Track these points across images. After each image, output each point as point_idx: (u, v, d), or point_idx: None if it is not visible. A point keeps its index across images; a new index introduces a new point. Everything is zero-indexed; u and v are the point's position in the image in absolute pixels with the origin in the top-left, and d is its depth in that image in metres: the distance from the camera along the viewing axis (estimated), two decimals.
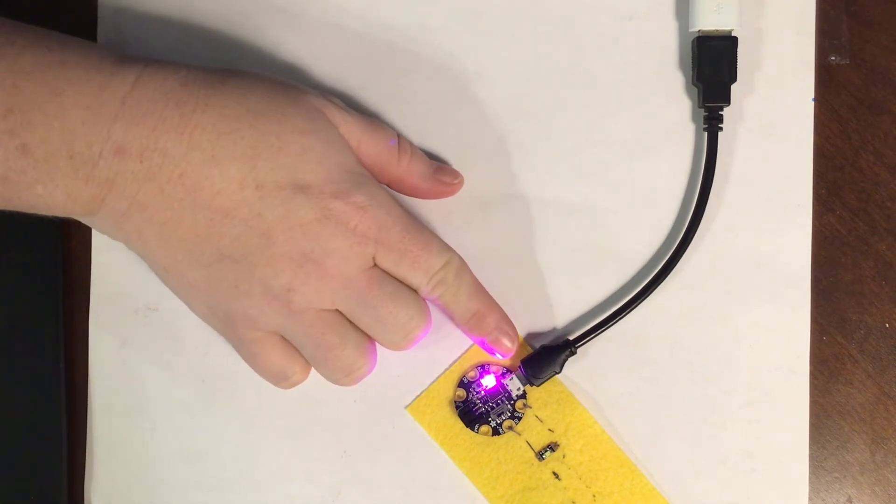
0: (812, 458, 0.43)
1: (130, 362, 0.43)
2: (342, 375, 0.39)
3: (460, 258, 0.39)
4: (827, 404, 0.43)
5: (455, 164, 0.43)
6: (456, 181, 0.42)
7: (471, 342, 0.43)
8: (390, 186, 0.41)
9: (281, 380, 0.39)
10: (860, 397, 0.43)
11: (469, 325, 0.40)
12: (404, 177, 0.40)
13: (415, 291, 0.39)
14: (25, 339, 0.43)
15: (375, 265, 0.38)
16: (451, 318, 0.40)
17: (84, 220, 0.37)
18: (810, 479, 0.42)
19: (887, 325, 0.43)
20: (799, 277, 0.43)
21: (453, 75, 0.43)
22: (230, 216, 0.36)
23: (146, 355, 0.43)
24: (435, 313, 0.41)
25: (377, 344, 0.39)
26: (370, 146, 0.39)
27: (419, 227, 0.38)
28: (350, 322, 0.38)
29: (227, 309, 0.37)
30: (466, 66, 0.43)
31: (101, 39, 0.43)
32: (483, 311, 0.40)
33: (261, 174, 0.36)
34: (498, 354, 0.41)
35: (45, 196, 0.34)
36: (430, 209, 0.43)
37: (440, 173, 0.42)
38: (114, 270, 0.43)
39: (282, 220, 0.36)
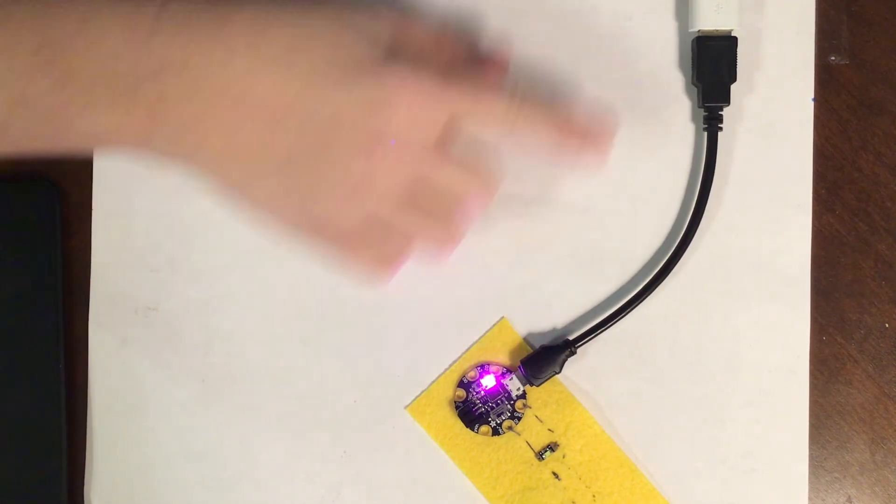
0: (812, 458, 0.43)
1: (130, 362, 0.43)
2: (444, 241, 0.38)
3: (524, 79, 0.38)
4: (827, 404, 0.43)
5: None
6: (504, 52, 0.41)
7: (471, 342, 0.43)
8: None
9: (385, 266, 0.38)
10: (860, 397, 0.43)
11: (566, 129, 0.38)
12: (451, 62, 0.38)
13: (480, 159, 0.37)
14: (25, 340, 0.43)
15: (442, 128, 0.36)
16: (542, 133, 0.38)
17: (140, 152, 0.36)
18: (810, 479, 0.42)
19: (887, 325, 0.43)
20: (799, 277, 0.43)
21: None
22: (286, 116, 0.34)
23: (146, 355, 0.43)
24: (427, 312, 0.41)
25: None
26: (409, 35, 0.37)
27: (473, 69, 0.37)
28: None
29: (309, 213, 0.36)
30: None
31: None
32: (570, 111, 0.38)
33: (303, 69, 0.34)
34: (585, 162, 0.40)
35: (94, 127, 0.34)
36: None
37: (488, 50, 0.40)
38: (114, 270, 0.43)
39: (340, 107, 0.35)
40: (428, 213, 0.37)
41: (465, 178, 0.37)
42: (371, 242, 0.37)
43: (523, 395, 0.42)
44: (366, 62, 0.35)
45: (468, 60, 0.39)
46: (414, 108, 0.35)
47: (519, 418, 0.42)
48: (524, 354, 0.42)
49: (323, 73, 0.35)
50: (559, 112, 0.38)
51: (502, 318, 0.43)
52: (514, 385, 0.42)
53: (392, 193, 0.36)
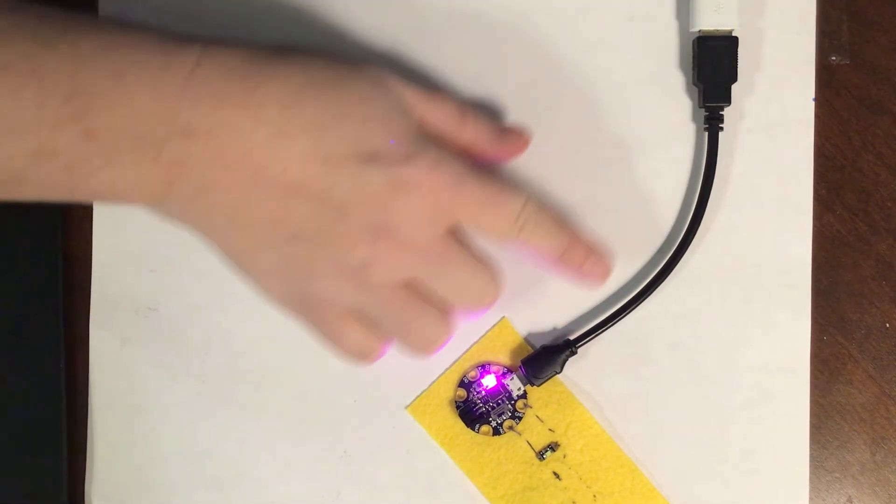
0: (812, 458, 0.43)
1: (130, 362, 0.43)
2: (425, 346, 0.38)
3: (536, 196, 0.38)
4: (827, 404, 0.43)
5: None
6: (524, 138, 0.41)
7: (471, 342, 0.43)
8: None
9: (363, 356, 0.38)
10: (860, 397, 0.43)
11: (563, 258, 0.39)
12: (473, 142, 0.39)
13: (485, 263, 0.38)
14: (26, 339, 0.43)
15: (448, 232, 0.37)
16: (541, 257, 0.39)
17: (152, 208, 0.36)
18: (810, 479, 0.42)
19: (887, 325, 0.43)
20: (799, 277, 0.43)
21: (453, 75, 0.43)
22: (299, 193, 0.35)
23: (146, 355, 0.43)
24: None
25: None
26: (434, 114, 0.38)
27: (490, 175, 0.37)
28: (426, 294, 0.37)
29: (304, 290, 0.36)
30: (466, 66, 0.43)
31: None
32: (573, 242, 0.39)
33: (327, 146, 0.35)
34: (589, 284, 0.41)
35: (112, 183, 0.34)
36: None
37: (508, 133, 0.41)
38: (114, 270, 0.43)
39: (352, 192, 0.35)
40: (419, 312, 0.37)
41: (464, 283, 0.37)
42: (357, 330, 0.37)
43: (524, 395, 0.42)
44: (389, 149, 0.35)
45: (489, 141, 0.40)
46: (424, 207, 0.35)
47: (520, 418, 0.42)
48: (525, 354, 0.42)
49: (345, 155, 0.35)
50: (561, 240, 0.39)
51: (503, 318, 0.43)
52: (514, 385, 0.42)
53: (388, 286, 0.36)
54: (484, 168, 0.38)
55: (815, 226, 0.43)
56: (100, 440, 0.43)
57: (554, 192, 0.43)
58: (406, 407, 0.43)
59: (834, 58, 0.43)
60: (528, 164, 0.43)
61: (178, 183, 0.34)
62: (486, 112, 0.42)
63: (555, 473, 0.42)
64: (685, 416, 0.42)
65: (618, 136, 0.43)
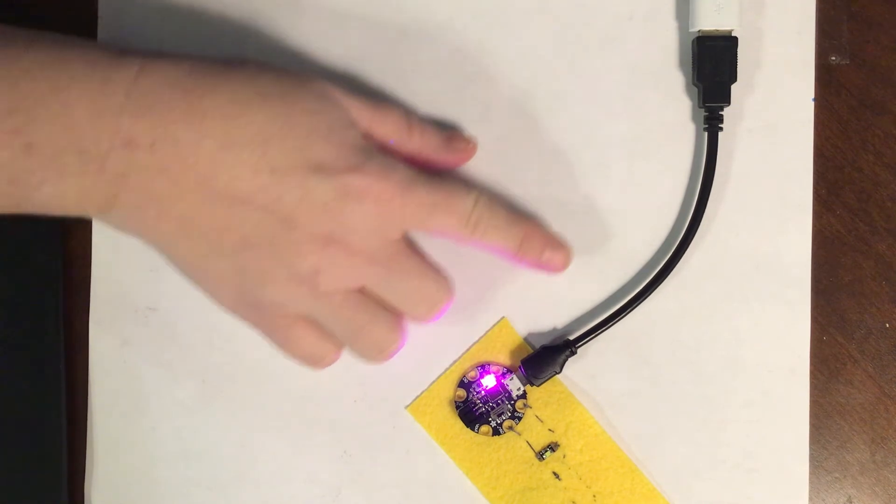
0: (812, 458, 0.43)
1: (130, 362, 0.43)
2: (376, 352, 0.38)
3: (487, 192, 0.39)
4: (827, 404, 0.43)
5: None
6: (470, 146, 0.41)
7: (471, 342, 0.43)
8: (406, 163, 0.40)
9: (315, 362, 0.38)
10: (860, 397, 0.43)
11: (520, 251, 0.39)
12: (419, 151, 0.40)
13: (435, 270, 0.38)
14: (26, 339, 0.43)
15: (398, 240, 0.37)
16: (499, 252, 0.40)
17: (99, 219, 0.37)
18: (810, 479, 0.42)
19: (887, 325, 0.43)
20: (799, 277, 0.43)
21: (453, 75, 0.43)
22: (247, 203, 0.35)
23: (146, 355, 0.43)
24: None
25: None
26: (380, 125, 0.39)
27: (438, 178, 0.38)
28: (377, 300, 0.38)
29: (255, 297, 0.37)
30: (466, 67, 0.43)
31: (101, 39, 0.43)
32: (529, 233, 0.39)
33: (274, 157, 0.35)
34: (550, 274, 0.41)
35: (57, 196, 0.34)
36: None
37: (454, 141, 0.41)
38: (114, 270, 0.43)
39: (300, 202, 0.35)
40: (369, 319, 0.37)
41: (414, 291, 0.38)
42: (310, 335, 0.38)
43: (524, 395, 0.42)
44: (336, 159, 0.36)
45: (435, 149, 0.40)
46: (373, 215, 0.36)
47: (519, 418, 0.42)
48: (524, 354, 0.42)
49: (292, 166, 0.35)
50: (515, 234, 0.39)
51: (502, 318, 0.43)
52: (514, 385, 0.42)
53: (338, 293, 0.37)
54: (433, 173, 0.38)
55: (815, 226, 0.43)
56: (100, 440, 0.43)
57: (554, 192, 0.43)
58: (406, 407, 0.43)
59: (834, 58, 0.43)
60: (528, 163, 0.43)
61: (124, 194, 0.35)
62: (444, 123, 0.43)
63: (554, 473, 0.42)
64: (685, 415, 0.42)
65: (618, 136, 0.43)
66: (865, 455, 0.43)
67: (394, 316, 0.38)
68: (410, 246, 0.38)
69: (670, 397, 0.43)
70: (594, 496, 0.42)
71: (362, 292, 0.37)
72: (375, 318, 0.37)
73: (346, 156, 0.36)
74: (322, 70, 0.43)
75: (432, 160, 0.41)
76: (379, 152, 0.37)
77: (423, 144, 0.40)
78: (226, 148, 0.35)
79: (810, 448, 0.42)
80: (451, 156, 0.41)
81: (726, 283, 0.43)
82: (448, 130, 0.42)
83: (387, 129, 0.39)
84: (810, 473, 0.42)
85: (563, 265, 0.40)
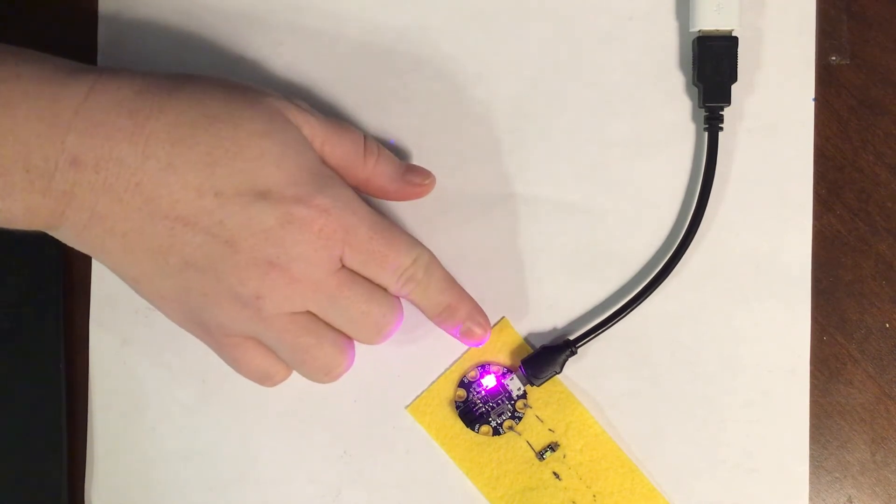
0: (812, 458, 0.43)
1: (130, 362, 0.43)
2: (322, 375, 0.38)
3: (430, 253, 0.39)
4: (827, 404, 0.43)
5: (455, 164, 0.43)
6: (426, 182, 0.41)
7: None
8: (357, 189, 0.40)
9: (264, 380, 0.39)
10: (860, 397, 0.43)
11: (440, 318, 0.40)
12: (371, 178, 0.40)
13: (380, 294, 0.38)
14: (26, 339, 0.43)
15: (343, 266, 0.37)
16: (422, 312, 0.40)
17: (49, 233, 0.37)
18: (810, 479, 0.42)
19: (887, 325, 0.43)
20: (799, 277, 0.43)
21: (453, 76, 0.43)
22: (191, 225, 0.35)
23: (146, 355, 0.43)
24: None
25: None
26: (335, 147, 0.38)
27: (386, 226, 0.38)
28: (323, 321, 0.38)
29: (201, 317, 0.37)
30: (466, 67, 0.43)
31: (101, 42, 0.43)
32: (454, 304, 0.40)
33: (219, 181, 0.35)
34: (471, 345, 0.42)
35: (4, 211, 0.34)
36: (430, 209, 0.43)
37: (410, 174, 0.41)
38: None
39: (244, 227, 0.35)
40: (314, 342, 0.37)
41: (358, 317, 0.37)
42: (258, 354, 0.38)
43: (524, 395, 0.42)
44: (284, 186, 0.36)
45: (390, 180, 0.40)
46: (315, 247, 0.36)
47: (519, 418, 0.42)
48: (525, 354, 0.42)
49: (237, 191, 0.35)
50: (440, 303, 0.39)
51: (503, 318, 0.43)
52: (514, 385, 0.42)
53: (281, 318, 0.36)
54: (382, 219, 0.38)
55: (815, 226, 0.43)
56: (100, 440, 0.43)
57: (554, 191, 0.43)
58: (406, 407, 0.43)
59: (834, 58, 0.43)
60: (527, 163, 0.43)
61: (70, 212, 0.35)
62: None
63: (555, 473, 0.42)
64: (685, 415, 0.42)
65: (618, 136, 0.43)
66: (865, 455, 0.43)
67: (342, 337, 0.38)
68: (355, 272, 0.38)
69: (670, 397, 0.43)
70: (594, 496, 0.42)
71: (309, 314, 0.37)
72: (321, 341, 0.37)
73: (296, 183, 0.36)
74: (317, 78, 0.43)
75: (385, 189, 0.40)
76: (331, 179, 0.37)
77: (376, 172, 0.40)
78: (170, 169, 0.35)
79: (810, 448, 0.42)
80: (404, 188, 0.40)
81: (726, 283, 0.43)
82: (408, 163, 0.42)
83: (343, 150, 0.38)
84: (810, 473, 0.42)
85: (481, 341, 0.41)
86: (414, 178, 0.41)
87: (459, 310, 0.40)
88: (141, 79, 0.36)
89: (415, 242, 0.38)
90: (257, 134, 0.36)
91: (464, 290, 0.40)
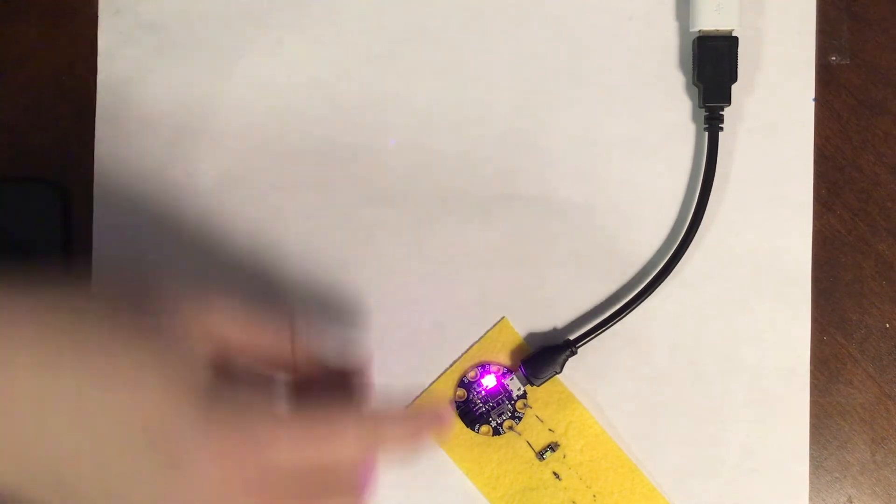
0: (812, 458, 0.43)
1: None
2: None
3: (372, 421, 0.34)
4: (827, 404, 0.43)
5: (455, 164, 0.43)
6: (364, 380, 0.36)
7: (471, 342, 0.43)
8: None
9: None
10: (860, 397, 0.43)
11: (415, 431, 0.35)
12: (297, 372, 0.35)
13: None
14: None
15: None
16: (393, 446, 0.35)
17: None
18: (810, 479, 0.42)
19: (887, 325, 0.43)
20: (799, 277, 0.43)
21: (453, 75, 0.43)
22: (65, 469, 0.30)
23: None
24: (427, 312, 0.41)
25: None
26: (253, 347, 0.34)
27: (303, 473, 0.32)
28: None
29: None
30: (466, 67, 0.43)
31: (102, 43, 0.43)
32: (414, 430, 0.35)
33: (91, 419, 0.30)
34: None
35: None
36: (430, 209, 0.43)
37: (347, 376, 0.36)
38: (114, 271, 0.43)
39: (126, 480, 0.30)
40: None
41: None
42: None
43: (524, 395, 0.42)
44: (167, 428, 0.30)
45: (322, 372, 0.36)
46: (210, 488, 0.30)
47: (519, 418, 0.42)
48: (525, 354, 0.42)
49: (112, 431, 0.30)
50: (404, 436, 0.34)
51: (503, 318, 0.43)
52: (514, 385, 0.42)
53: None
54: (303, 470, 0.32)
55: (815, 226, 0.43)
56: None
57: (554, 191, 0.43)
58: (406, 407, 0.43)
59: (834, 58, 0.43)
60: (528, 163, 0.43)
61: None
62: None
63: (555, 473, 0.42)
64: (685, 415, 0.42)
65: (618, 136, 0.43)
66: (865, 455, 0.43)
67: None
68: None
69: (670, 397, 0.43)
70: (594, 496, 0.42)
71: None
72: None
73: (179, 416, 0.30)
74: (319, 80, 0.43)
75: (316, 382, 0.36)
76: (233, 396, 0.31)
77: (305, 368, 0.35)
78: (38, 401, 0.30)
79: (810, 448, 0.42)
80: (340, 389, 0.36)
81: (726, 283, 0.43)
82: (347, 362, 0.37)
83: (263, 348, 0.34)
84: (810, 473, 0.42)
85: (448, 428, 0.36)
86: (352, 378, 0.36)
87: (420, 426, 0.35)
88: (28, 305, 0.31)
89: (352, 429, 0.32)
90: (137, 365, 0.31)
91: (404, 412, 0.37)
